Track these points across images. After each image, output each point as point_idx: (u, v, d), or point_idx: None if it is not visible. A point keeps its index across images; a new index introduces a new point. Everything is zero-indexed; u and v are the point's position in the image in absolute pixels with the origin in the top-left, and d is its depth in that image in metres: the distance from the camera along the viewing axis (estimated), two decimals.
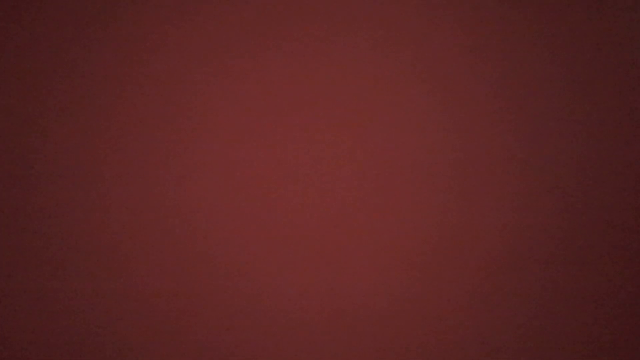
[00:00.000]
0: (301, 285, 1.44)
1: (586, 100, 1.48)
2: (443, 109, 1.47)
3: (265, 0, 1.47)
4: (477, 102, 1.47)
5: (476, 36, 1.48)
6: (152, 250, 1.44)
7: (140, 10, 1.46)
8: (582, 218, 1.47)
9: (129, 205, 1.44)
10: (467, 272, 1.45)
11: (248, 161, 1.45)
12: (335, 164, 1.45)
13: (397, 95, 1.47)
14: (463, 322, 1.45)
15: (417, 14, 1.47)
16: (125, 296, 1.43)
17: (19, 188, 1.44)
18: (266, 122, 1.46)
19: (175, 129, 1.45)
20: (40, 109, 1.45)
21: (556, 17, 1.49)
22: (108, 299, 1.43)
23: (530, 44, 1.48)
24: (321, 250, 1.45)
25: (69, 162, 1.44)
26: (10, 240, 1.43)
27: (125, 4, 1.46)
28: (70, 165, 1.44)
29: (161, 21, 1.46)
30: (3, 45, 1.45)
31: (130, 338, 1.43)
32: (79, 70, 1.45)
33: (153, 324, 1.43)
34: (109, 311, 1.43)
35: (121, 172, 1.44)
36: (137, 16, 1.46)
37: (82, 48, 1.45)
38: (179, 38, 1.46)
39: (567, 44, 1.49)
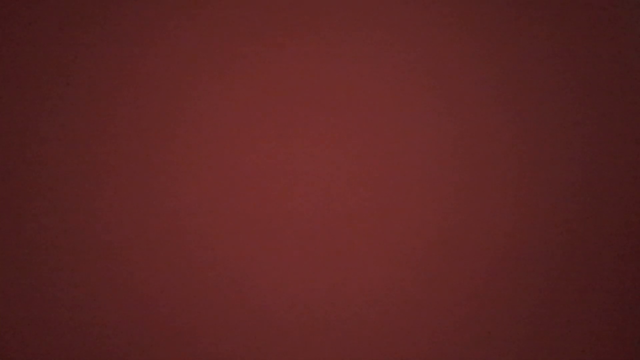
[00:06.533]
0: (302, 286, 1.44)
1: (587, 101, 1.48)
2: (445, 109, 1.47)
3: (266, 0, 1.47)
4: (480, 103, 1.47)
5: (478, 37, 1.48)
6: (152, 251, 1.44)
7: (140, 10, 1.46)
8: (583, 218, 1.47)
9: (128, 206, 1.44)
10: (468, 272, 1.45)
11: (249, 162, 1.45)
12: (336, 164, 1.45)
13: (399, 96, 1.47)
14: (464, 321, 1.45)
15: (420, 14, 1.48)
16: (125, 297, 1.43)
17: (19, 189, 1.44)
18: (267, 123, 1.46)
19: (175, 130, 1.45)
20: (41, 109, 1.45)
21: (558, 17, 1.49)
22: (107, 300, 1.43)
23: (533, 45, 1.48)
24: (321, 250, 1.45)
25: (68, 162, 1.44)
26: (10, 241, 1.43)
27: (125, 3, 1.46)
28: (69, 166, 1.44)
29: (161, 21, 1.46)
30: (2, 45, 1.45)
31: (130, 339, 1.43)
32: (78, 71, 1.45)
33: (153, 325, 1.43)
34: (109, 312, 1.43)
35: (121, 173, 1.44)
36: (136, 16, 1.46)
37: (80, 48, 1.45)
38: (178, 38, 1.46)
39: (568, 45, 1.49)
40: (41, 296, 1.43)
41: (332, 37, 1.47)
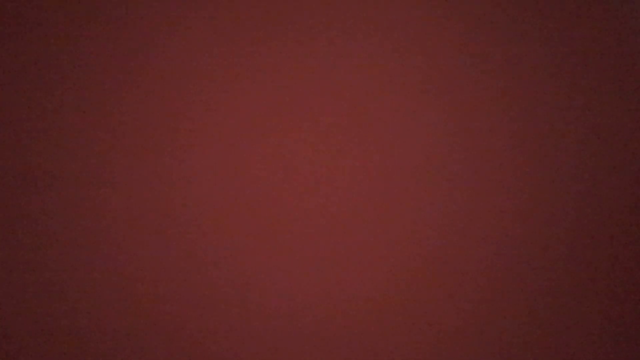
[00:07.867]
0: (302, 286, 1.44)
1: (588, 101, 1.49)
2: (445, 111, 1.47)
3: (268, 1, 1.47)
4: (480, 104, 1.47)
5: (478, 37, 1.48)
6: (153, 251, 1.44)
7: (140, 10, 1.46)
8: (583, 219, 1.47)
9: (129, 207, 1.44)
10: (468, 273, 1.46)
11: (249, 163, 1.45)
12: (337, 165, 1.46)
13: (400, 97, 1.47)
14: (464, 323, 1.45)
15: (420, 17, 1.48)
16: (126, 297, 1.43)
17: (18, 190, 1.44)
18: (268, 123, 1.46)
19: (176, 132, 1.45)
20: (41, 109, 1.45)
21: (558, 19, 1.49)
22: (107, 301, 1.43)
23: (533, 45, 1.48)
24: (322, 251, 1.45)
25: (69, 163, 1.44)
26: (10, 242, 1.43)
27: (125, 3, 1.46)
28: (71, 167, 1.44)
29: (160, 22, 1.46)
30: (3, 45, 1.45)
31: (131, 340, 1.43)
32: (78, 71, 1.45)
33: (153, 325, 1.43)
34: (109, 312, 1.43)
35: (120, 174, 1.44)
36: (136, 15, 1.46)
37: (81, 48, 1.45)
38: (179, 38, 1.46)
39: (568, 45, 1.49)
40: (41, 296, 1.43)
41: (333, 37, 1.47)
